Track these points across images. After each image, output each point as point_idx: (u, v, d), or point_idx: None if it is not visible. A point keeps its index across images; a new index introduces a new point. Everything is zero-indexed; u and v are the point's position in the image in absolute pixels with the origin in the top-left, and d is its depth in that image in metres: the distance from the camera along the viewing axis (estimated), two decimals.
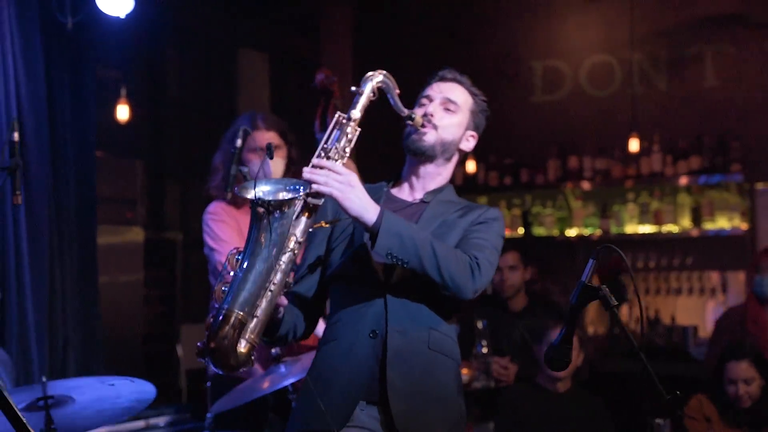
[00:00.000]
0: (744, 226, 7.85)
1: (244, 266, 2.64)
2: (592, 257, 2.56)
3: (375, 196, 2.88)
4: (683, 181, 7.90)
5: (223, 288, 2.65)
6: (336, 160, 2.80)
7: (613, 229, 8.17)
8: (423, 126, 3.04)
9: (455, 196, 3.13)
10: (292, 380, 3.74)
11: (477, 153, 8.35)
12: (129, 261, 6.71)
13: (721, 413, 4.73)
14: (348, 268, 2.94)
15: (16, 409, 1.80)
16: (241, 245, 4.31)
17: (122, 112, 6.83)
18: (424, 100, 3.15)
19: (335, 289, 3.01)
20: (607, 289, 2.49)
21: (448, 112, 3.10)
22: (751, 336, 5.32)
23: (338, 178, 2.71)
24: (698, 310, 7.84)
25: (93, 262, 5.46)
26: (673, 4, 8.19)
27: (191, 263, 7.49)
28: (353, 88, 2.94)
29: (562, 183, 8.38)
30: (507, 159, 8.60)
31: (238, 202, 4.41)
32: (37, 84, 5.09)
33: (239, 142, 4.18)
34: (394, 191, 3.14)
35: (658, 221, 8.05)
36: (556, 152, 8.43)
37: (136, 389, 3.18)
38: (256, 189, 2.67)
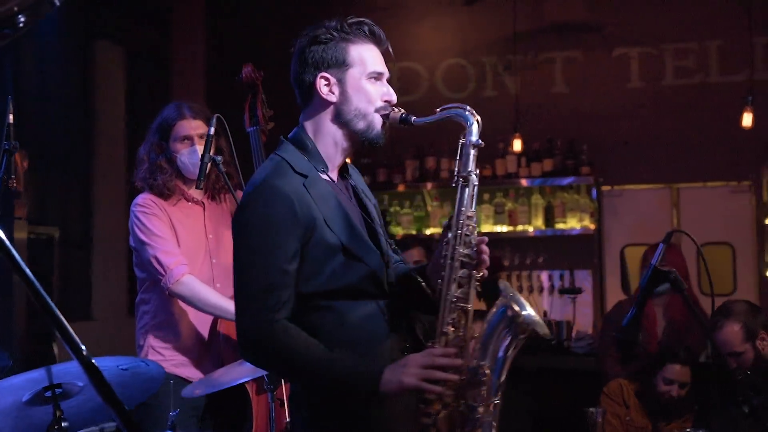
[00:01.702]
0: (593, 226, 8.23)
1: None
2: (662, 241, 2.63)
3: (323, 190, 2.68)
4: (536, 183, 8.22)
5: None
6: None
7: None
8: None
9: None
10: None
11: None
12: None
13: (640, 402, 4.95)
14: (353, 278, 2.66)
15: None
16: (174, 240, 4.21)
17: None
18: (379, 78, 2.76)
19: (333, 302, 2.66)
20: (676, 272, 2.57)
21: None
22: (641, 327, 5.59)
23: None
24: (564, 306, 8.15)
25: None
26: (525, 10, 8.48)
27: (69, 260, 7.18)
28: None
29: (420, 183, 8.53)
30: (365, 159, 8.67)
31: (165, 193, 4.30)
32: None
33: (212, 129, 4.06)
34: (326, 177, 2.77)
35: (512, 222, 8.32)
36: (413, 153, 8.57)
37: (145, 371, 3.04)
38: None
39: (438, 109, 2.76)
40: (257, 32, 8.77)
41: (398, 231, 8.51)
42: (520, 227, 8.28)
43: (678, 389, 4.87)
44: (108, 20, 8.01)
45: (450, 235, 2.64)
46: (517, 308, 2.59)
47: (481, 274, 2.66)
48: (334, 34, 2.73)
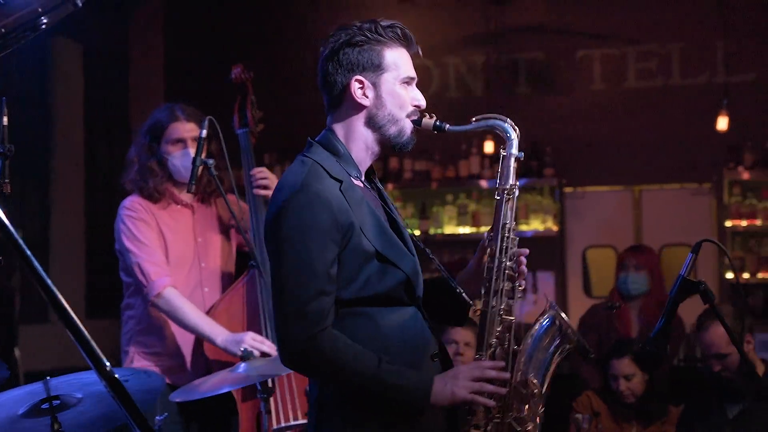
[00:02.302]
0: (555, 227, 8.25)
1: None
2: (692, 251, 2.61)
3: (356, 196, 2.63)
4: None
5: None
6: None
7: (432, 230, 8.35)
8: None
9: None
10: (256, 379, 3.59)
11: (294, 153, 8.25)
12: None
13: (609, 409, 4.95)
14: (389, 284, 2.63)
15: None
16: (160, 248, 4.12)
17: None
18: (410, 82, 2.74)
19: (368, 309, 2.62)
20: (706, 283, 2.55)
21: None
22: (615, 331, 5.60)
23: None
24: (524, 307, 8.15)
25: None
26: (489, 12, 8.47)
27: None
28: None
29: (383, 183, 8.45)
30: None
31: (155, 196, 4.21)
32: None
33: (204, 132, 3.96)
34: (358, 182, 2.73)
35: (476, 223, 8.31)
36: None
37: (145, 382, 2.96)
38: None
39: (474, 119, 2.74)
40: (217, 28, 8.65)
41: None
42: (483, 228, 8.26)
43: (625, 382, 4.86)
44: (65, 17, 7.84)
45: (495, 247, 2.66)
46: (566, 318, 2.64)
47: (522, 286, 2.68)
48: (369, 36, 2.68)
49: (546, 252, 8.23)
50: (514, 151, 2.73)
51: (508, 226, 2.68)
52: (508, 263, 2.64)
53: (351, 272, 2.56)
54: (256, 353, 3.78)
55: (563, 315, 2.66)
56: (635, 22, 8.31)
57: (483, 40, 8.50)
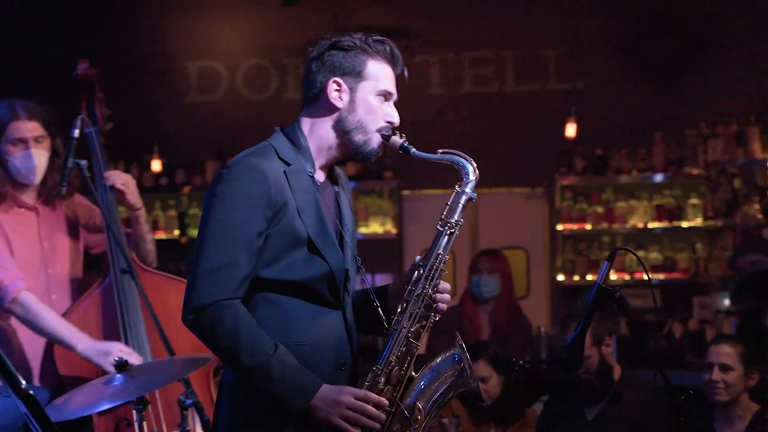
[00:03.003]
0: (395, 230, 8.31)
1: None
2: (607, 259, 2.64)
3: (304, 183, 2.64)
4: None
5: None
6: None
7: None
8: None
9: None
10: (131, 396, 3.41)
11: (131, 153, 8.03)
12: None
13: (468, 412, 5.00)
14: (310, 274, 2.61)
15: None
16: (6, 251, 3.89)
17: None
18: (388, 98, 2.76)
19: (283, 298, 2.62)
20: (621, 292, 2.59)
21: None
22: (465, 334, 5.66)
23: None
24: None
25: None
26: (329, 14, 8.44)
27: None
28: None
29: None
30: (162, 159, 8.37)
31: None
32: None
33: (76, 132, 3.75)
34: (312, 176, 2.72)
35: None
36: (215, 154, 8.36)
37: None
38: None
39: (440, 151, 2.80)
40: (59, 21, 8.32)
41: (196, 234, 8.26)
42: None
43: (482, 385, 4.90)
44: None
45: (422, 272, 2.66)
46: (470, 362, 2.68)
47: (436, 319, 2.71)
48: (357, 44, 2.71)
49: (385, 254, 8.28)
50: (469, 190, 2.78)
51: (441, 257, 2.69)
52: (430, 292, 2.66)
53: (276, 252, 2.57)
54: (134, 361, 3.58)
55: (469, 357, 2.69)
56: (472, 28, 8.46)
57: (316, 42, 8.45)
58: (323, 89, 2.69)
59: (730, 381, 4.24)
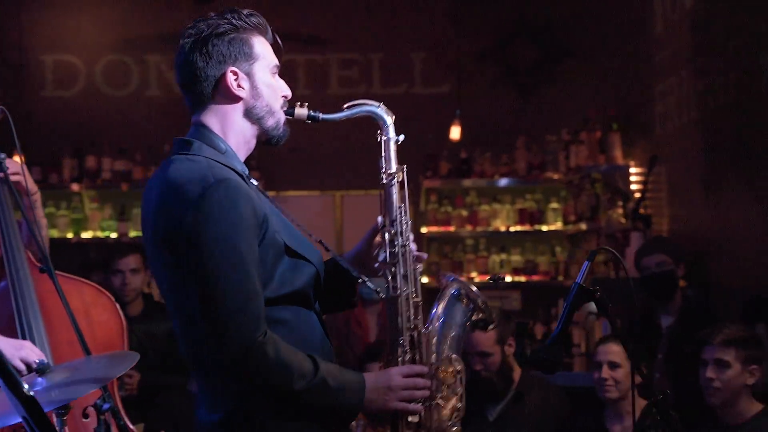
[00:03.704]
0: None
1: None
2: (588, 259, 2.63)
3: (253, 188, 2.49)
4: None
5: None
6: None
7: (132, 233, 8.02)
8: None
9: None
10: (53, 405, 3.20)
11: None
12: None
13: (365, 414, 4.96)
14: (302, 280, 2.49)
15: None
16: None
17: None
18: (275, 72, 2.61)
19: (284, 312, 2.46)
20: (602, 291, 2.60)
21: None
22: (354, 336, 5.64)
23: None
24: None
25: None
26: (192, 10, 8.26)
27: None
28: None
29: (78, 183, 8.04)
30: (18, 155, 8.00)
31: None
32: None
33: None
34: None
35: None
36: (71, 151, 8.05)
37: None
38: None
39: (346, 105, 2.71)
40: None
41: (54, 234, 7.94)
42: None
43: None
44: None
45: (395, 231, 2.62)
46: (473, 288, 2.68)
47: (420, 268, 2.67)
48: (235, 24, 2.52)
49: None
50: (392, 135, 2.71)
51: (403, 208, 2.65)
52: (409, 245, 2.61)
53: (268, 268, 2.39)
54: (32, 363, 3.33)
55: (471, 285, 2.69)
56: (339, 30, 8.43)
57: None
58: (219, 83, 2.49)
59: (619, 378, 4.35)
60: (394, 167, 2.70)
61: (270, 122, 2.56)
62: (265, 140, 2.60)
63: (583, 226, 7.66)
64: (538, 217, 8.25)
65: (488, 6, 8.41)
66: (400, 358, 2.58)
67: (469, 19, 8.39)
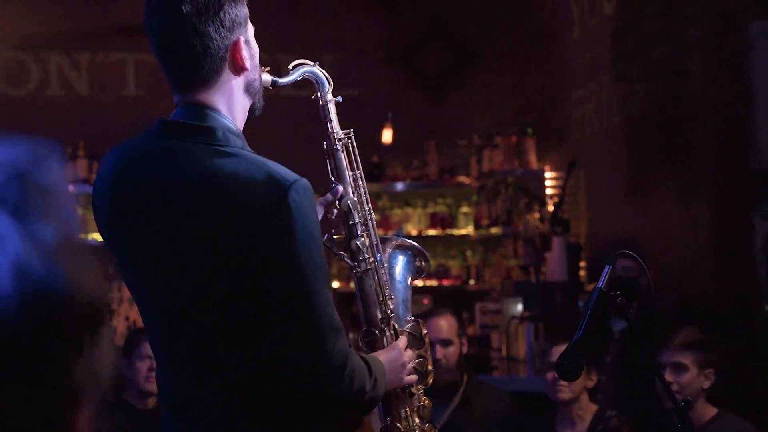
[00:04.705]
0: None
1: None
2: (608, 263, 2.55)
3: None
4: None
5: None
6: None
7: None
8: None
9: None
10: None
11: None
12: None
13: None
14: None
15: None
16: None
17: None
18: (252, 36, 2.25)
19: None
20: (622, 296, 2.53)
21: None
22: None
23: None
24: None
25: None
26: (96, 9, 7.99)
27: None
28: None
29: None
30: None
31: None
32: None
33: None
34: None
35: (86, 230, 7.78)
36: None
37: None
38: None
39: (290, 67, 2.48)
40: None
41: None
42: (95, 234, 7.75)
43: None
44: None
45: (356, 197, 2.45)
46: (410, 242, 2.69)
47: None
48: None
49: None
50: (331, 96, 2.50)
51: (359, 173, 2.47)
52: (373, 214, 2.49)
53: None
54: None
55: (408, 241, 2.66)
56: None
57: (89, 37, 8.00)
58: (232, 54, 2.13)
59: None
60: (340, 130, 2.47)
61: (259, 95, 2.26)
62: (249, 115, 2.27)
63: (496, 230, 7.68)
64: (449, 221, 8.24)
65: (400, 10, 8.37)
66: (391, 332, 2.45)
67: (380, 23, 8.34)
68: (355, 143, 2.49)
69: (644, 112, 6.02)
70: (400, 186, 8.22)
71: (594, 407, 4.46)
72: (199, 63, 2.11)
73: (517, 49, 7.94)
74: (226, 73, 2.15)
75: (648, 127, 5.98)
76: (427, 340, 2.58)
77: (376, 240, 2.49)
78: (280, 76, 2.40)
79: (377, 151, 8.11)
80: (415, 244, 2.67)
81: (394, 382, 2.34)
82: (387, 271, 2.53)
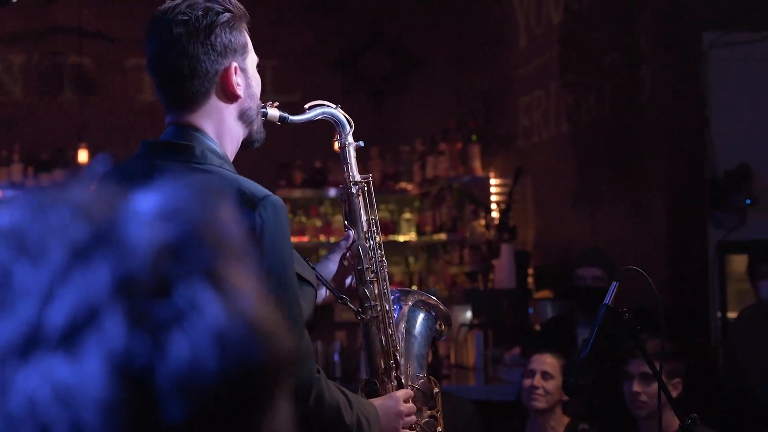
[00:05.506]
0: None
1: None
2: (615, 279, 2.54)
3: None
4: None
5: None
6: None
7: None
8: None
9: None
10: None
11: None
12: None
13: None
14: (310, 305, 2.28)
15: None
16: None
17: None
18: (252, 65, 2.26)
19: None
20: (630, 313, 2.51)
21: None
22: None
23: None
24: None
25: None
26: (31, 10, 7.80)
27: None
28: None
29: None
30: None
31: None
32: None
33: None
34: None
35: None
36: None
37: None
38: None
39: (306, 106, 2.46)
40: None
41: None
42: None
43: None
44: None
45: (368, 243, 2.46)
46: (433, 298, 2.61)
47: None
48: (234, 11, 2.15)
49: None
50: (352, 140, 2.51)
51: (374, 219, 2.48)
52: (384, 261, 2.47)
53: None
54: None
55: (431, 297, 2.59)
56: None
57: (22, 39, 7.81)
58: (220, 79, 2.12)
59: (550, 389, 4.33)
60: (357, 174, 2.49)
61: (257, 124, 2.25)
62: (247, 145, 2.28)
63: (440, 237, 7.66)
64: (391, 227, 8.20)
65: (342, 15, 8.31)
66: (393, 383, 2.44)
67: (322, 27, 8.27)
68: (372, 187, 2.51)
69: (593, 120, 6.05)
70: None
71: (566, 419, 4.45)
72: (187, 84, 2.13)
73: (462, 55, 7.94)
74: (216, 99, 2.16)
75: (597, 134, 6.01)
76: (439, 399, 2.55)
77: (386, 289, 2.47)
78: (294, 114, 2.41)
79: (320, 157, 8.04)
80: (441, 305, 2.61)
81: (390, 430, 2.33)
82: (405, 325, 2.53)
